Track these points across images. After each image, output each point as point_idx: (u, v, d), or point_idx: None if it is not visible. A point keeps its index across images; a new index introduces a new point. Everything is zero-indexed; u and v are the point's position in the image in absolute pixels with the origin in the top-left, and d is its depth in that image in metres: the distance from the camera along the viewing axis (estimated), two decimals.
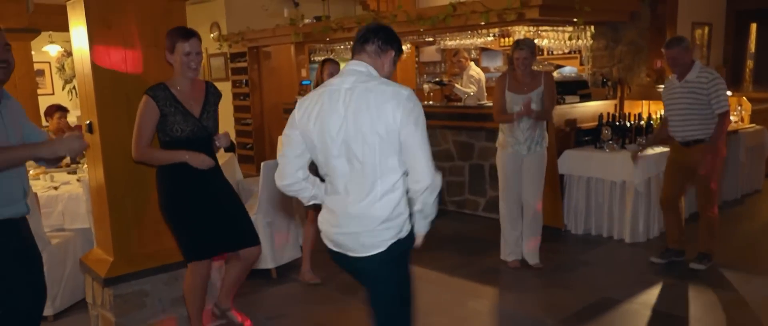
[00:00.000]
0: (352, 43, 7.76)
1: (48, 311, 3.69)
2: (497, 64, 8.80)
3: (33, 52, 8.80)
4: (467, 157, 6.21)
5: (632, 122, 5.41)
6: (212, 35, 9.61)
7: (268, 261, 4.34)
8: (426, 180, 2.14)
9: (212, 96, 3.18)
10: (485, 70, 8.74)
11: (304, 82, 8.64)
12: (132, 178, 3.24)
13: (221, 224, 3.17)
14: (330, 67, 4.15)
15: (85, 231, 3.97)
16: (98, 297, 3.28)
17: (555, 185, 5.35)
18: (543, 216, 4.59)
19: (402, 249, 2.31)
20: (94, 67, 3.15)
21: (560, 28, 6.36)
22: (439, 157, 6.52)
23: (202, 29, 9.82)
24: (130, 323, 3.19)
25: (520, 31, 6.88)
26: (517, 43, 4.32)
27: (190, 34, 3.00)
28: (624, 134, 5.29)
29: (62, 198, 4.01)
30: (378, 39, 2.30)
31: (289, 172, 2.28)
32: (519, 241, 4.59)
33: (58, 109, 5.37)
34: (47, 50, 10.03)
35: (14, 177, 2.45)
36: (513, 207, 4.54)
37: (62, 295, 3.81)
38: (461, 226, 5.83)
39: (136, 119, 3.01)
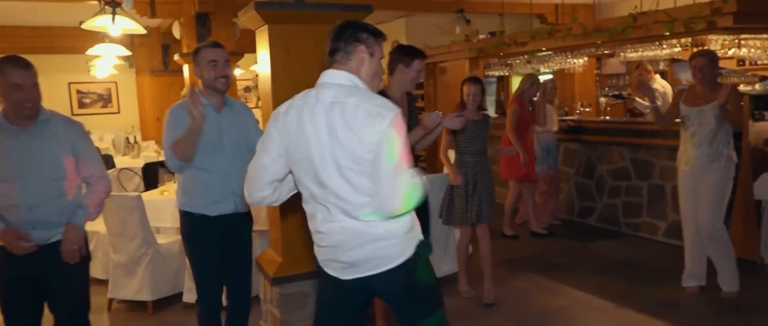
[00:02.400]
0: (526, 56, 7.64)
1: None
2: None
3: (242, 71, 10.02)
4: (646, 177, 5.76)
5: None
6: None
7: None
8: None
9: (412, 102, 3.53)
10: (676, 82, 7.99)
11: None
12: None
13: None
14: (470, 87, 4.24)
15: (265, 232, 4.41)
16: (268, 293, 3.63)
17: (750, 212, 4.74)
18: (733, 244, 4.16)
19: None
20: (274, 87, 3.50)
21: (763, 36, 5.63)
22: (615, 176, 6.14)
23: (384, 48, 10.35)
24: (292, 321, 3.48)
25: (717, 40, 6.23)
26: (696, 53, 4.01)
27: (424, 55, 3.36)
28: None
29: None
30: (340, 42, 2.11)
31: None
32: (700, 266, 4.26)
33: None
34: (254, 69, 11.32)
35: (221, 179, 2.95)
36: (690, 229, 4.23)
37: None
38: (635, 251, 5.41)
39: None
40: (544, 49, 6.91)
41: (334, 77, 2.13)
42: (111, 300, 4.47)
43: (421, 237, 2.20)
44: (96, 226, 4.96)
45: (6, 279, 2.71)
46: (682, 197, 4.24)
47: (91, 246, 4.94)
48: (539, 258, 5.31)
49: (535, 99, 5.89)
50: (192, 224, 3.03)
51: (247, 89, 13.07)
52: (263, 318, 3.83)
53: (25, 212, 2.62)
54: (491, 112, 10.39)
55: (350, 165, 2.02)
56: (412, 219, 2.17)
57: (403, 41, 9.89)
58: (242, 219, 3.14)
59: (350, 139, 2.00)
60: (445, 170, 4.48)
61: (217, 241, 3.05)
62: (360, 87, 2.11)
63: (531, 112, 5.84)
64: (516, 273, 4.88)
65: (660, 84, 6.55)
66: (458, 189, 4.16)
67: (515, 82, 10.36)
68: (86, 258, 2.89)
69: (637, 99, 6.61)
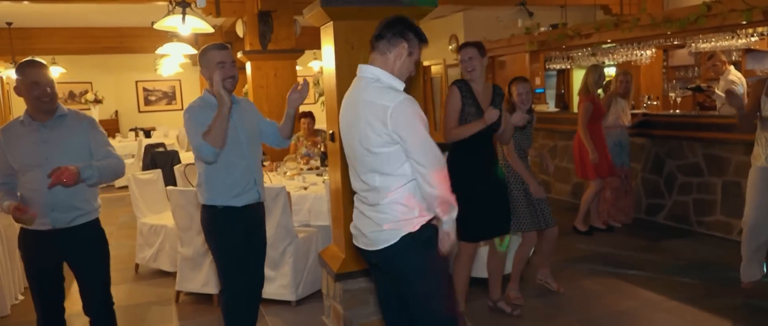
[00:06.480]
0: (590, 49, 7.40)
1: (291, 297, 4.24)
2: (765, 67, 7.60)
3: (300, 67, 10.17)
4: (720, 173, 5.50)
5: None
6: (451, 47, 9.99)
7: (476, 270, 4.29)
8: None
9: (498, 96, 3.63)
10: (750, 74, 7.61)
11: (537, 91, 8.49)
12: None
13: (497, 209, 3.65)
14: (519, 86, 3.89)
15: (327, 228, 4.45)
16: (331, 289, 3.66)
17: None
18: None
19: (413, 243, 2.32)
20: (339, 82, 3.51)
21: None
22: (686, 172, 5.89)
23: (441, 41, 10.28)
24: (355, 317, 3.50)
25: None
26: None
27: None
28: None
29: (309, 197, 4.56)
30: (389, 31, 2.30)
31: None
32: (760, 262, 4.11)
33: (303, 116, 6.33)
34: (312, 66, 11.46)
35: (244, 171, 3.11)
36: (761, 228, 4.00)
37: (304, 284, 4.32)
38: (709, 251, 5.18)
39: (445, 107, 3.57)
40: (609, 40, 6.70)
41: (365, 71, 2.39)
42: (178, 293, 4.60)
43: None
44: (164, 220, 5.14)
45: (34, 265, 3.02)
46: (757, 195, 3.97)
47: (159, 239, 5.12)
48: (607, 257, 5.16)
49: (599, 91, 5.70)
50: (217, 217, 3.14)
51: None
52: (325, 313, 3.86)
53: (44, 195, 2.89)
54: (551, 105, 10.17)
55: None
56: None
57: (461, 35, 9.79)
58: (262, 209, 3.31)
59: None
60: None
61: (242, 232, 3.17)
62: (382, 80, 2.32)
63: (601, 105, 5.66)
64: (583, 273, 4.76)
65: (735, 75, 6.23)
66: (519, 195, 3.90)
67: (577, 76, 10.11)
68: (105, 241, 3.16)
69: (717, 91, 6.28)
